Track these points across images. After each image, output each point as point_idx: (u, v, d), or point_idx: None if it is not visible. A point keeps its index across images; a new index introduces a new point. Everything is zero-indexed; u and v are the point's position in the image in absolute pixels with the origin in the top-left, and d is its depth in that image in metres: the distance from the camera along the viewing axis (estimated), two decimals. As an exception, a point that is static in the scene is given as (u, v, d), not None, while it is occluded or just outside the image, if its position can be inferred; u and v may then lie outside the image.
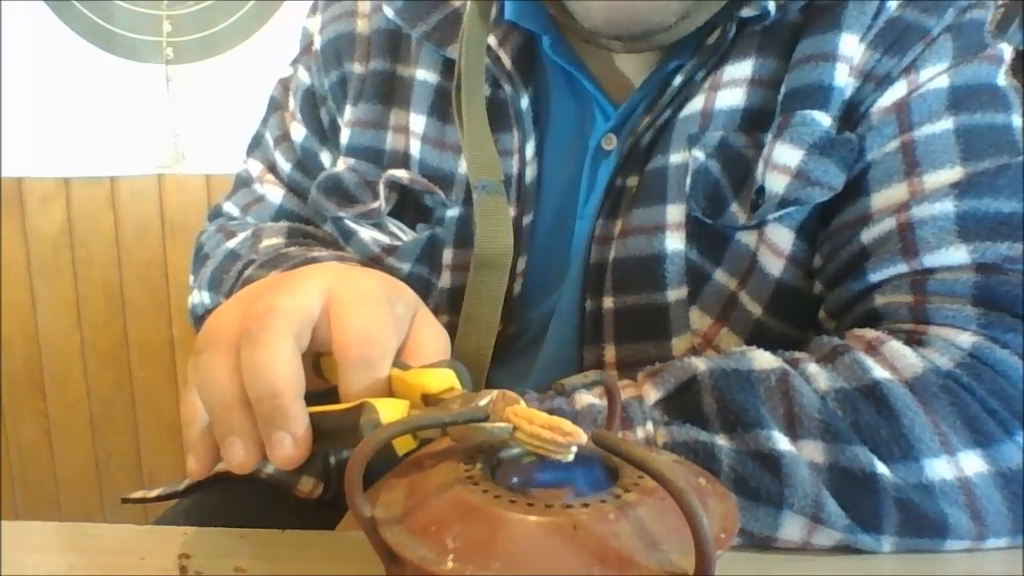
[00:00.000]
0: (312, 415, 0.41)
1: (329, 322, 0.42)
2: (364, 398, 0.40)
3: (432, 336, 0.46)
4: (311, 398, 0.42)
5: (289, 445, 0.40)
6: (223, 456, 0.42)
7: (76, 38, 1.71)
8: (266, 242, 0.70)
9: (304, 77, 0.75)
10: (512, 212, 0.64)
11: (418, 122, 0.68)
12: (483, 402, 0.39)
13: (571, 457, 0.37)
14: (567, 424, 0.37)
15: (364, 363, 0.41)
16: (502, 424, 0.38)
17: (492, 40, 0.65)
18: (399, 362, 0.43)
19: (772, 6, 0.59)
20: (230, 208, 0.79)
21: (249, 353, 0.40)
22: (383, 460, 0.39)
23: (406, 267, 0.68)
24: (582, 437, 0.36)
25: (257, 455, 0.41)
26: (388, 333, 0.42)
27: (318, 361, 0.46)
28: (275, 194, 0.77)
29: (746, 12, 0.59)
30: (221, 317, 0.43)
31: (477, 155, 0.64)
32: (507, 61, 0.65)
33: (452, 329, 0.64)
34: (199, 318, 0.73)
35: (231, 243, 0.72)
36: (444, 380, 0.42)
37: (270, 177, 0.77)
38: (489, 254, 0.63)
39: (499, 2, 0.66)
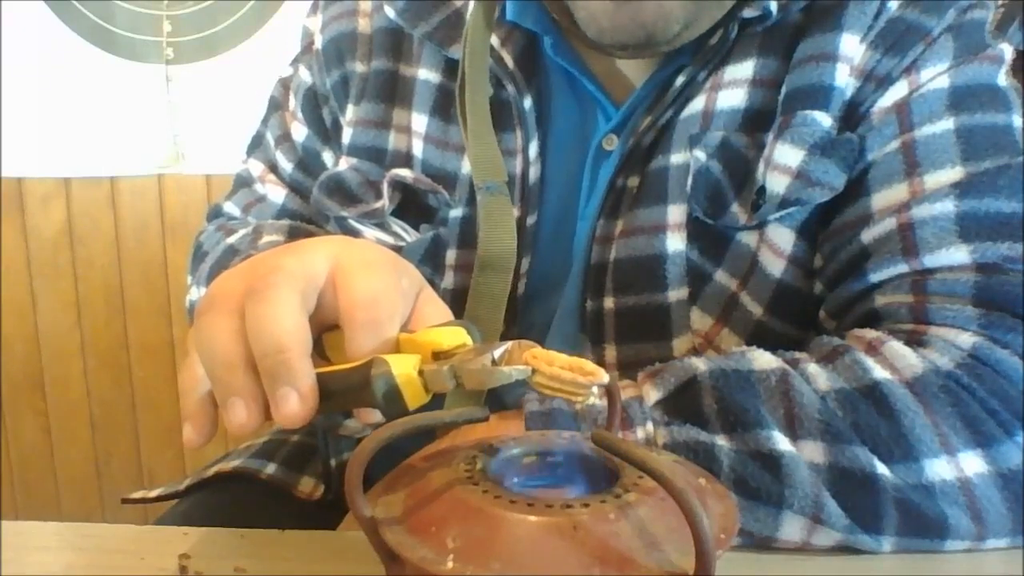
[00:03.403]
0: (319, 375, 0.40)
1: (335, 290, 0.42)
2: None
3: (437, 313, 0.45)
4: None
5: (295, 401, 0.38)
6: (224, 419, 0.40)
7: (76, 38, 1.71)
8: (266, 238, 0.70)
9: (305, 76, 0.75)
10: (516, 213, 0.64)
11: (420, 122, 0.68)
12: (498, 352, 0.38)
13: (592, 399, 0.36)
14: (588, 364, 0.36)
15: (371, 325, 0.40)
16: (521, 367, 0.37)
17: (495, 40, 0.65)
18: (406, 331, 0.42)
19: (774, 6, 0.59)
20: (230, 208, 0.79)
21: (254, 309, 0.39)
22: (392, 415, 0.38)
23: None
24: (603, 377, 0.35)
25: (259, 416, 0.40)
26: (395, 298, 0.42)
27: (320, 341, 0.45)
28: (277, 194, 0.76)
29: (748, 13, 0.59)
30: (225, 281, 0.43)
31: (481, 156, 0.64)
32: (510, 62, 0.65)
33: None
34: None
35: (231, 239, 0.72)
36: (455, 337, 0.41)
37: (271, 177, 0.77)
38: (493, 256, 0.63)
39: (500, 3, 0.66)
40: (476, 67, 0.65)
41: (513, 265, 0.63)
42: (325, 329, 0.43)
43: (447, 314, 0.45)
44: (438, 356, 0.40)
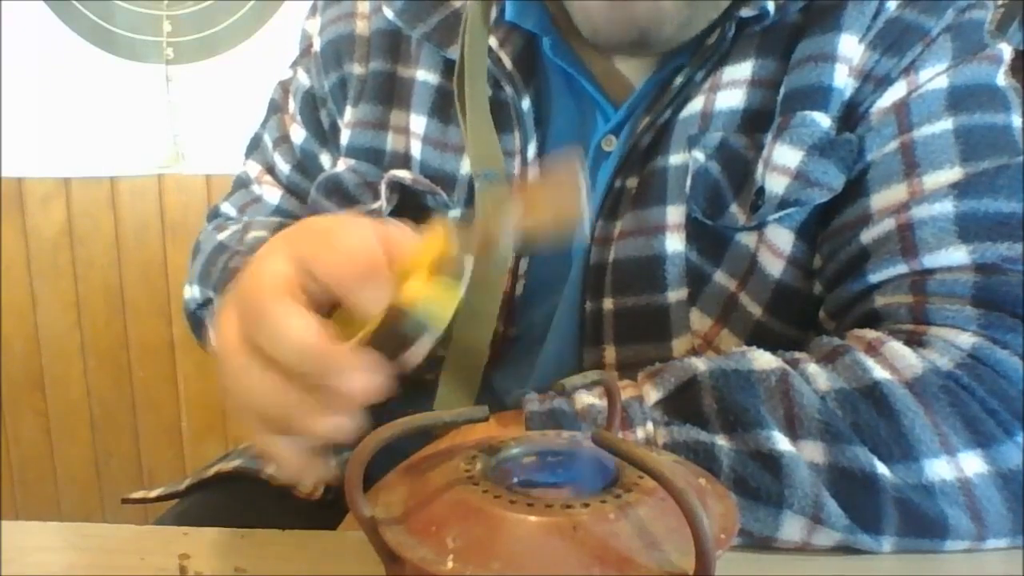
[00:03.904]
0: (360, 346, 0.41)
1: (313, 279, 0.42)
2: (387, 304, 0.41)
3: (406, 235, 0.44)
4: None
5: (365, 383, 0.40)
6: (321, 433, 0.42)
7: (76, 38, 1.71)
8: (253, 234, 0.70)
9: (304, 79, 0.75)
10: None
11: (419, 123, 0.68)
12: (474, 240, 0.41)
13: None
14: (560, 176, 0.39)
15: (362, 277, 0.41)
16: (508, 219, 0.41)
17: (493, 41, 0.65)
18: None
19: (771, 6, 0.59)
20: (227, 209, 0.79)
21: (265, 333, 0.40)
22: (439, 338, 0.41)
23: None
24: (579, 170, 0.39)
25: (335, 416, 0.41)
26: (368, 244, 0.42)
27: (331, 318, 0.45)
28: (272, 194, 0.76)
29: (745, 12, 0.59)
30: (222, 331, 0.44)
31: (479, 146, 0.64)
32: (508, 62, 0.65)
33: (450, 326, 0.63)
34: (191, 313, 0.73)
35: (221, 236, 0.72)
36: (435, 244, 0.42)
37: (268, 178, 0.77)
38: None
39: (499, 3, 0.66)
40: (474, 62, 0.65)
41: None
42: (330, 309, 0.44)
43: (414, 233, 0.45)
44: (435, 268, 0.42)
